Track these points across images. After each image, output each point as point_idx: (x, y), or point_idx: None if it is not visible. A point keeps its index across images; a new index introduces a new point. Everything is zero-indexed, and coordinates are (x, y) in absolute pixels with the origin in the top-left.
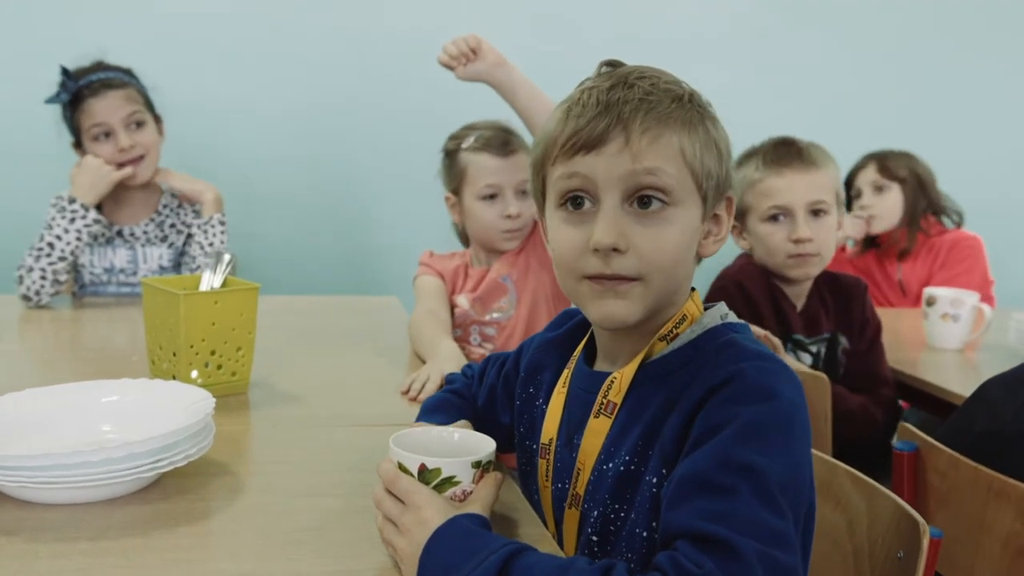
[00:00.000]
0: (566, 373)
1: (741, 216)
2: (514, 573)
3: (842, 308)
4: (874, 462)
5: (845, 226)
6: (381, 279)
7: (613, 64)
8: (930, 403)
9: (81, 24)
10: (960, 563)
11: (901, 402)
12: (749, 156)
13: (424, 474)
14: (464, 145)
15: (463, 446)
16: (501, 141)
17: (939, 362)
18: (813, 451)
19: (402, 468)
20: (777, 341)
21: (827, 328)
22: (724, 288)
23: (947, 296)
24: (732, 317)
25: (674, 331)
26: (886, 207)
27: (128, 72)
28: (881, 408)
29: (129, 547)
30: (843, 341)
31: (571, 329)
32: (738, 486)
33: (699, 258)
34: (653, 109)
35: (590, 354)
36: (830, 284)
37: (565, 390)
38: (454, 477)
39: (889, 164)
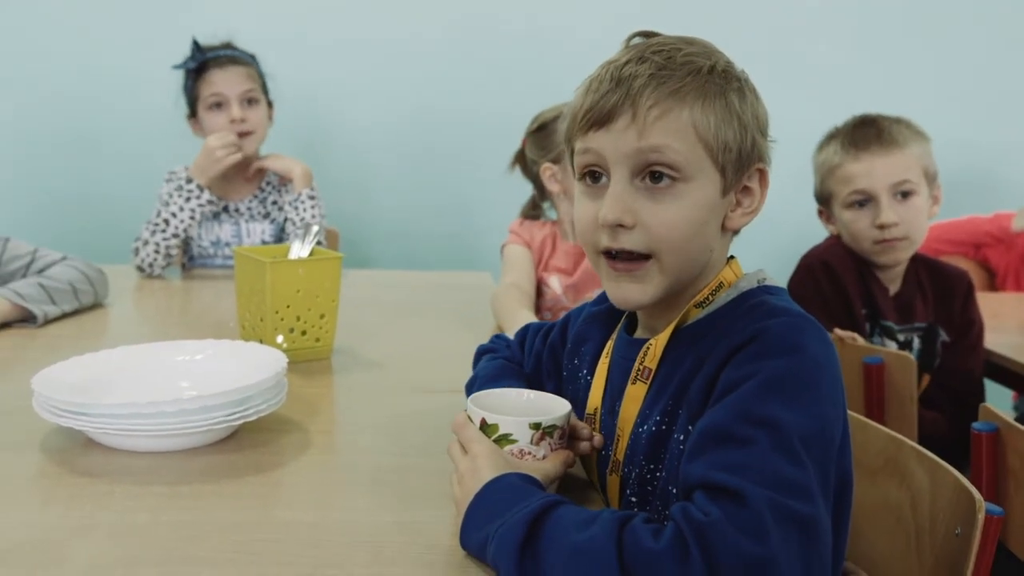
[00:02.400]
0: (609, 343)
1: (826, 202)
2: (546, 523)
3: (941, 300)
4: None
5: None
6: (480, 256)
7: (646, 35)
8: None
9: (201, 7)
10: None
11: (1012, 393)
12: (830, 139)
13: (485, 428)
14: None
15: (532, 406)
16: None
17: None
18: (880, 427)
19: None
20: (861, 341)
21: (922, 318)
22: (810, 267)
23: None
24: (771, 281)
25: (710, 298)
26: None
27: (252, 56)
28: (954, 425)
29: (199, 492)
30: (942, 334)
31: None
32: (756, 437)
33: (731, 232)
34: (664, 83)
35: (631, 324)
36: (929, 271)
37: (608, 360)
38: (511, 435)
39: None
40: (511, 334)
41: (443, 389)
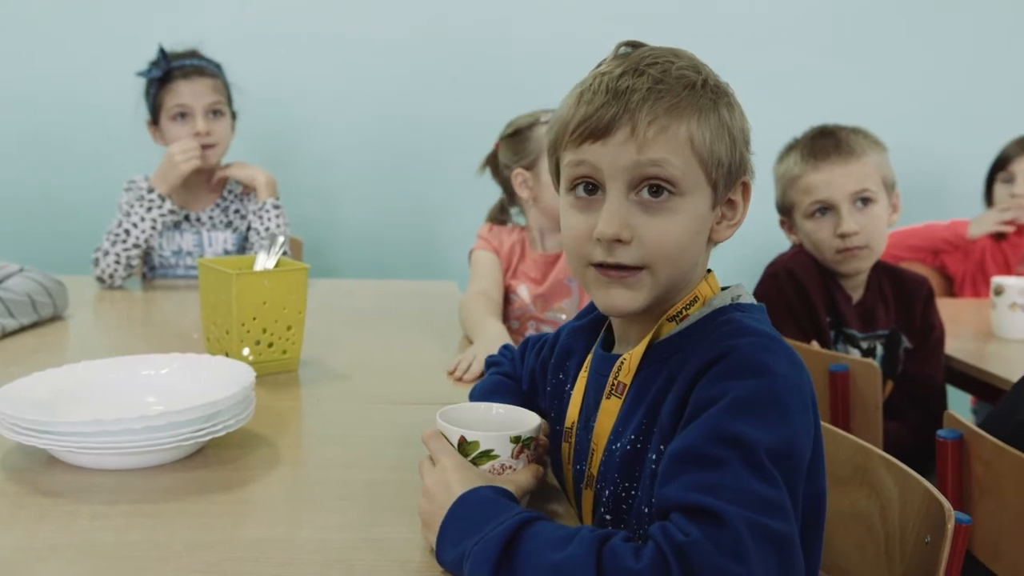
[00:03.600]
0: (589, 358)
1: (788, 212)
2: (523, 540)
3: (903, 307)
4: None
5: (988, 215)
6: (446, 264)
7: (633, 45)
8: (995, 395)
9: (166, 11)
10: (1004, 552)
11: (970, 398)
12: (789, 150)
13: (463, 446)
14: (543, 119)
15: (507, 421)
16: None
17: (1005, 354)
18: (848, 436)
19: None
20: (816, 346)
21: (884, 324)
22: (775, 276)
23: (1016, 285)
24: (746, 299)
25: (684, 312)
26: None
27: (218, 66)
28: (916, 432)
29: (166, 511)
30: (904, 341)
31: (597, 315)
32: (727, 457)
33: (713, 243)
34: (662, 98)
35: (608, 339)
36: (891, 278)
37: (586, 375)
38: (492, 451)
39: None
40: (479, 344)
41: (413, 401)
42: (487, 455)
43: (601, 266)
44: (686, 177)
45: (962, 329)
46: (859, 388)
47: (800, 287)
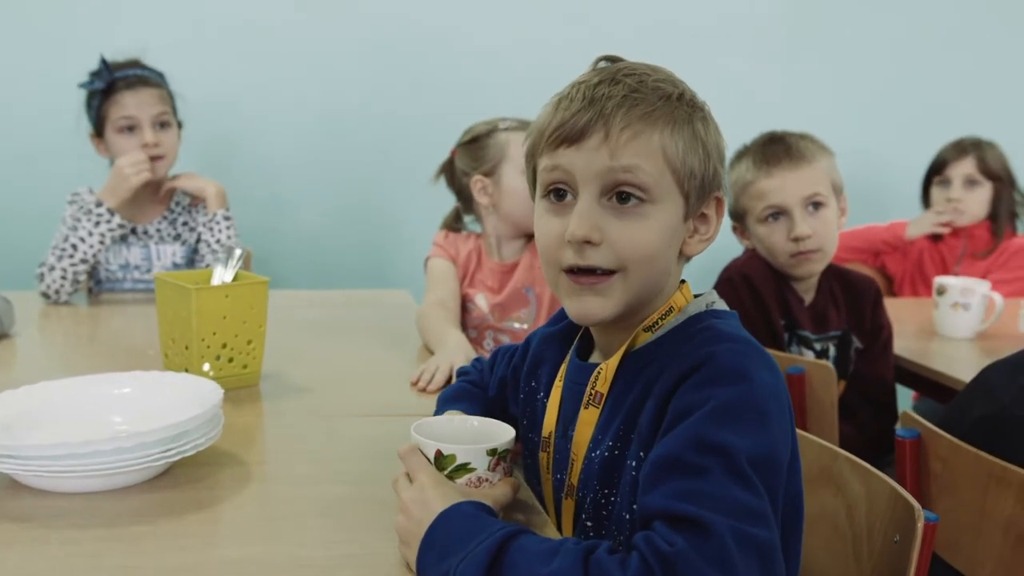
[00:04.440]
0: (563, 367)
1: (741, 218)
2: (509, 554)
3: (852, 307)
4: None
5: (926, 217)
6: (395, 273)
7: (611, 59)
8: (939, 392)
9: (106, 20)
10: (962, 549)
11: (912, 393)
12: (740, 157)
13: (440, 460)
14: (502, 126)
15: (482, 434)
16: None
17: (949, 351)
18: (813, 438)
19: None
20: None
21: (836, 325)
22: (730, 280)
23: (957, 285)
24: (720, 305)
25: (659, 322)
26: (975, 203)
27: (162, 75)
28: (869, 429)
29: (139, 534)
30: (855, 341)
31: (570, 323)
32: (709, 465)
33: (686, 257)
34: (636, 106)
35: (586, 347)
36: (840, 280)
37: (561, 384)
38: (469, 464)
39: (988, 160)
40: (440, 354)
41: (377, 413)
42: (464, 468)
43: (572, 272)
44: (658, 185)
45: (905, 328)
46: (815, 390)
47: (755, 291)
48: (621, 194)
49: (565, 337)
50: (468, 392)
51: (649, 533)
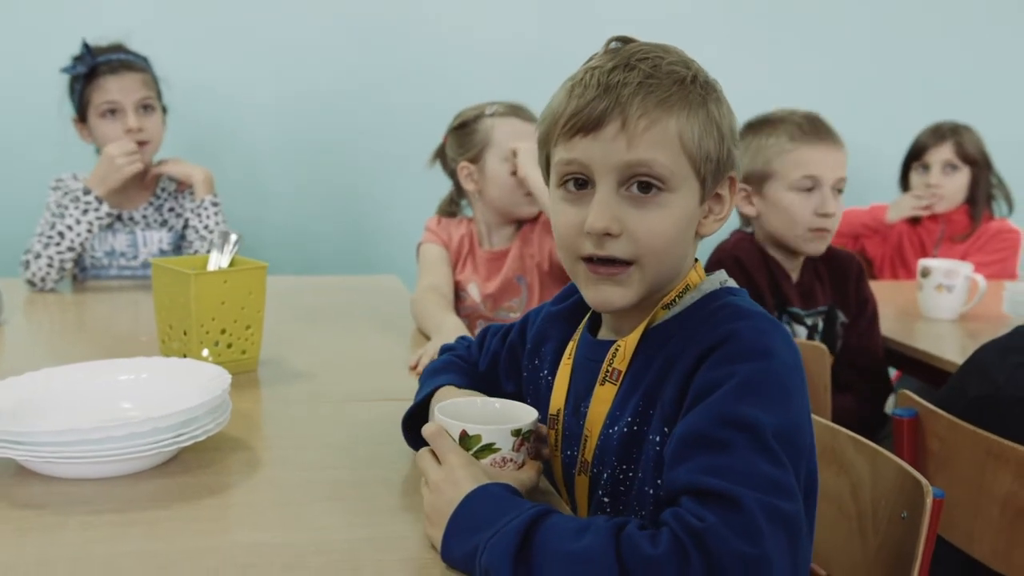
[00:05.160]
0: (571, 344)
1: (759, 181)
2: (539, 532)
3: (838, 283)
4: (868, 432)
5: (905, 200)
6: (378, 258)
7: (623, 40)
8: (924, 372)
9: (88, 5)
10: (960, 525)
11: (894, 371)
12: (776, 123)
13: (465, 440)
14: (488, 112)
15: (504, 415)
16: (524, 108)
17: (933, 332)
18: (814, 417)
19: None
20: None
21: (823, 301)
22: (720, 263)
23: (941, 267)
24: (731, 283)
25: (676, 300)
26: (954, 188)
27: (145, 60)
28: (868, 402)
29: (155, 519)
30: (840, 316)
31: (578, 301)
32: (734, 440)
33: (700, 237)
34: (652, 93)
35: (594, 324)
36: (823, 258)
37: (571, 361)
38: (494, 444)
39: (965, 145)
40: (437, 338)
41: (378, 397)
42: (489, 448)
43: (591, 261)
44: (675, 174)
45: (887, 310)
46: (809, 370)
47: (746, 273)
48: (641, 184)
49: (571, 315)
50: (455, 364)
51: (677, 509)
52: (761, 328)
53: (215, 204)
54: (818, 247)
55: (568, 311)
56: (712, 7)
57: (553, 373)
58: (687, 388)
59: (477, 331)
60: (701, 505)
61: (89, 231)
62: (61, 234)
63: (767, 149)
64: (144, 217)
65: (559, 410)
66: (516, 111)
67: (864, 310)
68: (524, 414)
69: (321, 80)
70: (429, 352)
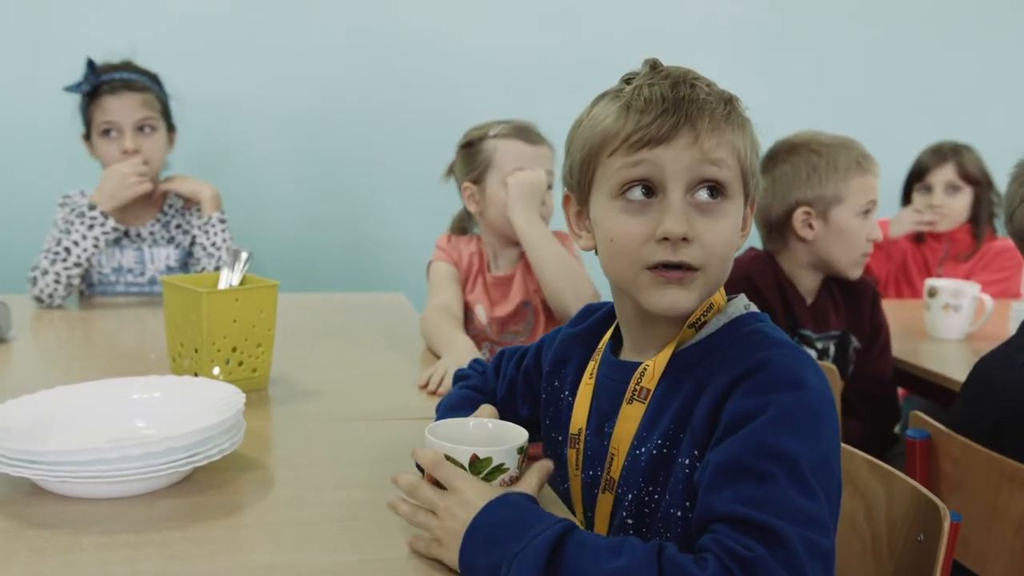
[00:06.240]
0: (592, 365)
1: (826, 205)
2: (568, 547)
3: (852, 307)
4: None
5: (905, 215)
6: (383, 275)
7: (655, 65)
8: (931, 391)
9: (94, 22)
10: (974, 548)
11: (900, 389)
12: (839, 149)
13: (475, 464)
14: (492, 133)
15: (497, 435)
16: (530, 129)
17: (940, 352)
18: None
19: (449, 460)
20: None
21: (835, 325)
22: (732, 283)
23: (948, 287)
24: (754, 307)
25: (702, 319)
26: (956, 208)
27: (153, 77)
28: (876, 427)
29: (171, 539)
30: (854, 340)
31: (595, 323)
32: (774, 472)
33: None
34: (716, 108)
35: (615, 346)
36: (839, 281)
37: (593, 381)
38: (503, 464)
39: (967, 165)
40: (448, 357)
41: (390, 417)
42: (499, 469)
43: (661, 267)
44: (733, 183)
45: (894, 329)
46: None
47: (759, 292)
48: (711, 188)
49: (589, 336)
50: (471, 399)
51: (718, 536)
52: (794, 358)
53: (223, 221)
54: (860, 271)
55: (585, 333)
56: (711, 23)
57: (574, 393)
58: (719, 414)
59: (483, 351)
60: (742, 535)
61: (95, 246)
62: (68, 250)
63: (836, 173)
64: (151, 234)
65: (580, 430)
66: (521, 132)
67: (878, 336)
68: (515, 433)
69: (326, 95)
70: (439, 371)
